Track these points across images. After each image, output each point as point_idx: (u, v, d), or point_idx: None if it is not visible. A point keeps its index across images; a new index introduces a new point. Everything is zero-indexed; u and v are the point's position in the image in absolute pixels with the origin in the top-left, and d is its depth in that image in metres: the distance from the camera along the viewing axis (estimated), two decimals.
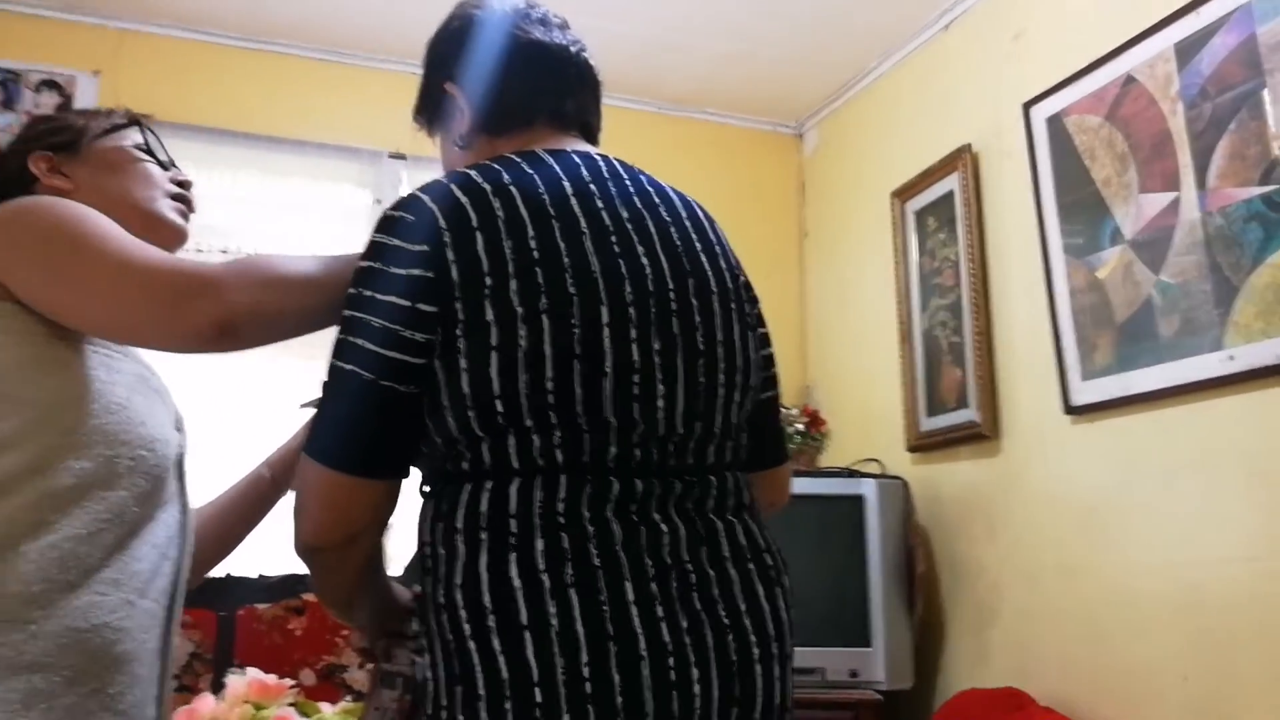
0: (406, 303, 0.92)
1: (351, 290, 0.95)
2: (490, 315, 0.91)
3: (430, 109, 1.17)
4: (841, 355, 3.07)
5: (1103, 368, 2.09)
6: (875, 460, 2.69)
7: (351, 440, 0.94)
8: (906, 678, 2.39)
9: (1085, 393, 2.13)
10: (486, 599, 0.88)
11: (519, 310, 0.91)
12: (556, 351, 0.92)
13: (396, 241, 0.95)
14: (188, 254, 2.55)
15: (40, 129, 1.23)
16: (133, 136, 1.23)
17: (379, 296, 0.93)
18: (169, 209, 1.22)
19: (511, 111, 1.10)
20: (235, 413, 2.40)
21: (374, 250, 0.96)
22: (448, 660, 0.90)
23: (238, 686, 1.97)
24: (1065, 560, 2.15)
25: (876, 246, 2.88)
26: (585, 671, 0.86)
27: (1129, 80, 2.07)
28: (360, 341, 0.92)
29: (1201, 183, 1.90)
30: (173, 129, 2.33)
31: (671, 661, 0.89)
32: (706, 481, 1.01)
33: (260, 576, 2.28)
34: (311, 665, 2.23)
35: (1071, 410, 2.15)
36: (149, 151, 1.24)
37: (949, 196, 2.60)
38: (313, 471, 0.95)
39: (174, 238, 1.22)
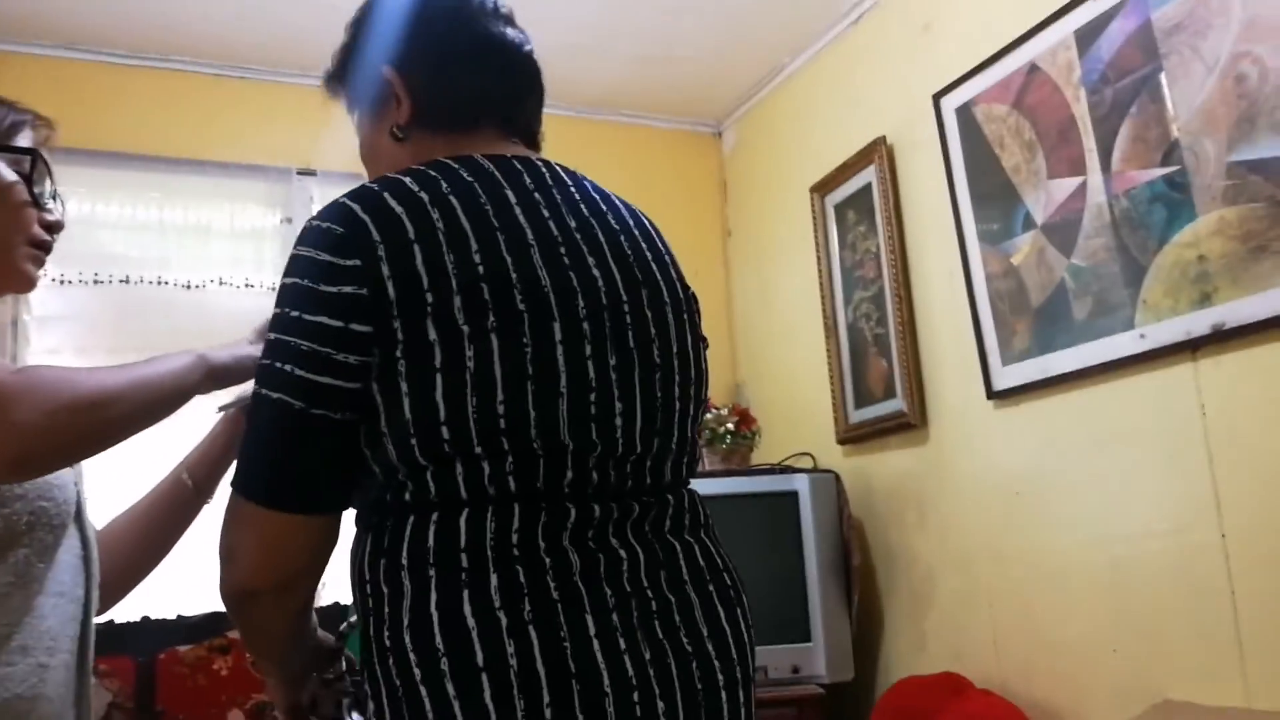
0: (338, 323, 0.85)
1: (276, 310, 0.88)
2: (433, 335, 0.85)
3: (355, 86, 1.08)
4: (769, 352, 3.08)
5: (1021, 352, 2.12)
6: (807, 454, 2.70)
7: (285, 475, 0.86)
8: (847, 670, 2.39)
9: (1006, 377, 2.16)
10: (439, 640, 0.83)
11: (465, 329, 0.85)
12: (507, 372, 0.86)
13: (325, 256, 0.87)
14: (89, 285, 2.47)
15: None
16: (20, 162, 1.10)
17: (306, 317, 0.86)
18: (25, 258, 1.11)
19: (460, 111, 1.03)
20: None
21: (300, 265, 0.88)
22: (395, 707, 0.84)
23: None
24: (994, 543, 2.18)
25: (799, 242, 2.89)
26: (548, 713, 0.81)
27: (1033, 69, 2.11)
28: (288, 367, 0.85)
29: (1106, 166, 1.94)
30: (65, 154, 2.24)
31: (636, 696, 0.85)
32: (664, 501, 0.97)
33: (179, 617, 2.20)
34: (240, 705, 2.16)
35: (994, 395, 2.18)
36: (30, 185, 1.11)
37: (867, 189, 2.62)
38: (244, 510, 0.87)
39: (21, 289, 1.12)
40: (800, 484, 2.45)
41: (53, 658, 0.99)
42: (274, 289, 2.65)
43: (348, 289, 0.85)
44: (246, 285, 2.66)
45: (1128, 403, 1.89)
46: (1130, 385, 1.88)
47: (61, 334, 2.42)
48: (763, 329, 3.12)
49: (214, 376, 1.09)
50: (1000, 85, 2.19)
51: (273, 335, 0.88)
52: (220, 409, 1.25)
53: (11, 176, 1.10)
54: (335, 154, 2.67)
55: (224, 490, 1.24)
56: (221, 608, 2.46)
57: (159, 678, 2.13)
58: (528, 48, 1.08)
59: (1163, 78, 1.83)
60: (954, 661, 2.23)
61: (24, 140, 1.11)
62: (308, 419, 0.85)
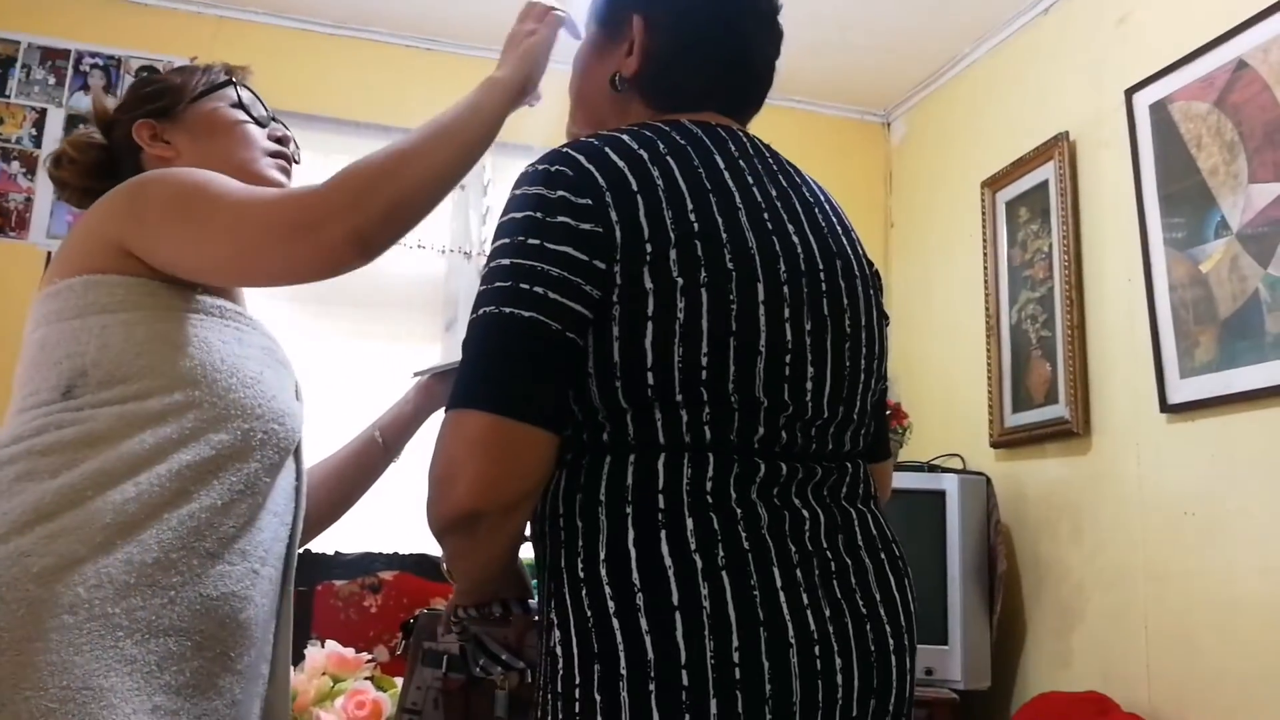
0: (584, 256, 0.87)
1: (507, 240, 0.89)
2: (649, 284, 0.88)
3: (602, 12, 1.09)
4: (925, 348, 3.00)
5: (1203, 365, 2.00)
6: (957, 456, 2.63)
7: (531, 388, 0.86)
8: (984, 678, 2.33)
9: (1183, 390, 2.04)
10: (635, 576, 0.85)
11: (678, 281, 0.88)
12: (713, 327, 0.89)
13: (560, 193, 0.89)
14: None
15: (139, 94, 1.23)
16: (229, 95, 1.22)
17: (550, 245, 0.87)
18: (269, 167, 1.21)
19: (689, 96, 1.04)
20: (338, 376, 2.44)
21: (531, 201, 0.90)
22: (583, 637, 0.86)
23: (317, 659, 2.01)
24: (1156, 563, 2.07)
25: (964, 238, 2.81)
26: (735, 656, 0.83)
27: (1240, 65, 1.98)
28: (539, 289, 0.86)
29: None
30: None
31: (817, 650, 0.87)
32: (843, 468, 0.99)
33: (336, 554, 2.32)
34: (385, 642, 2.26)
35: (1168, 408, 2.07)
36: (245, 109, 1.22)
37: (1043, 186, 2.51)
38: (473, 425, 0.85)
39: None
40: (949, 484, 2.39)
41: (264, 567, 1.06)
42: (444, 252, 2.78)
43: (585, 226, 0.88)
44: (418, 246, 2.78)
45: None
46: None
47: None
48: (920, 324, 3.04)
49: (512, 90, 1.13)
50: (1202, 81, 2.06)
51: (509, 260, 0.88)
52: (415, 374, 1.32)
53: (214, 104, 1.21)
54: (510, 127, 2.76)
55: (413, 447, 1.31)
56: (374, 548, 2.56)
57: (316, 607, 2.26)
58: (778, 42, 1.12)
59: None
60: (1100, 682, 2.13)
61: (224, 94, 1.22)
62: (562, 340, 0.87)
